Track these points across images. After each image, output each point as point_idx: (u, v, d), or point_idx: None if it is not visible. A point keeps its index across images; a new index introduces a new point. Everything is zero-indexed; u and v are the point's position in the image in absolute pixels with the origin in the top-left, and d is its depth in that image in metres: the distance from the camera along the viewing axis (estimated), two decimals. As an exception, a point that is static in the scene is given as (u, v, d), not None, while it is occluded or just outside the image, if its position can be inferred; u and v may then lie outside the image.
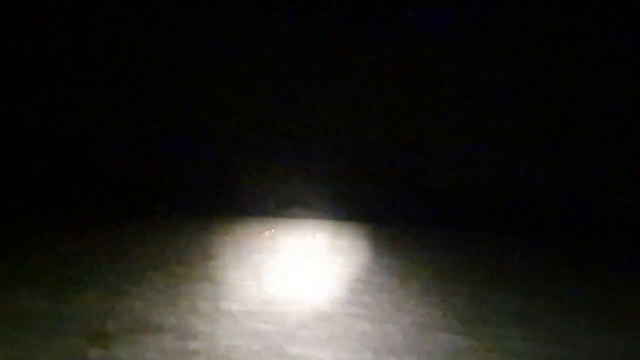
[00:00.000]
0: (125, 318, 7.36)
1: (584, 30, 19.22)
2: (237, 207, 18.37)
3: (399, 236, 16.13)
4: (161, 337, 6.75)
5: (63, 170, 18.62)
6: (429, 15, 19.83)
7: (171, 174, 19.55)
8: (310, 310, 8.20)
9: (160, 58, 20.39)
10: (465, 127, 20.27)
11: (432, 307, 8.78)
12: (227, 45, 20.33)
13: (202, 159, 19.99)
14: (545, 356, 6.90)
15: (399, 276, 10.73)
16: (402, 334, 7.39)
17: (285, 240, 14.04)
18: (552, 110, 20.04)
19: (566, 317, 8.68)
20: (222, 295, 8.71)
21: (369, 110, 20.57)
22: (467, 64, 20.08)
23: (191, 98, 20.30)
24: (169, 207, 17.09)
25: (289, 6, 20.05)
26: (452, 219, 18.85)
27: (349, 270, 10.98)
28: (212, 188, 19.02)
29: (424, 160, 20.20)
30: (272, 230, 13.25)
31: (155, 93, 20.21)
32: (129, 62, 20.17)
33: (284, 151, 20.08)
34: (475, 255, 13.92)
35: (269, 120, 20.49)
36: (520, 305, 9.20)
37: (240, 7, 20.14)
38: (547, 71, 19.73)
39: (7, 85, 19.49)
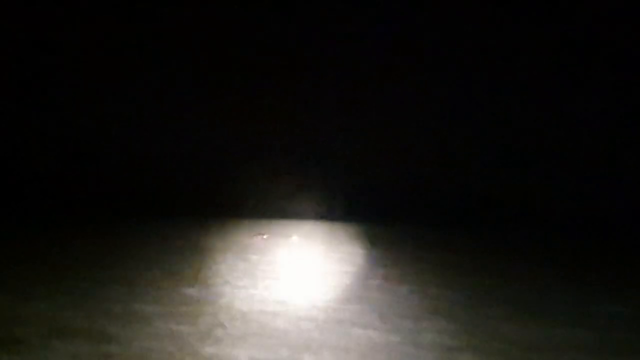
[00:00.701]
0: (35, 322, 7.19)
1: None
2: (154, 209, 18.19)
3: (315, 231, 16.23)
4: (73, 341, 6.61)
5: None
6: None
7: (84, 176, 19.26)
8: (224, 309, 8.16)
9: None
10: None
11: (348, 302, 8.84)
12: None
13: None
14: (458, 348, 7.02)
15: (314, 272, 10.79)
16: (318, 330, 7.42)
17: (198, 239, 13.95)
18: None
19: (482, 309, 8.85)
20: (135, 296, 8.59)
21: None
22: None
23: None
24: (79, 209, 16.79)
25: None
26: (365, 213, 19.07)
27: (264, 267, 10.98)
28: (122, 187, 18.78)
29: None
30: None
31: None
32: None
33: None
34: (391, 249, 14.10)
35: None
36: (436, 299, 9.34)
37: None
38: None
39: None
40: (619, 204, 19.20)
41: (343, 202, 19.61)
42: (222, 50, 20.68)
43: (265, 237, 13.08)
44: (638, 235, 17.64)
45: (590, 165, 20.29)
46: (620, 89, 20.16)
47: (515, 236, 17.79)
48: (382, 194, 19.91)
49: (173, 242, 13.43)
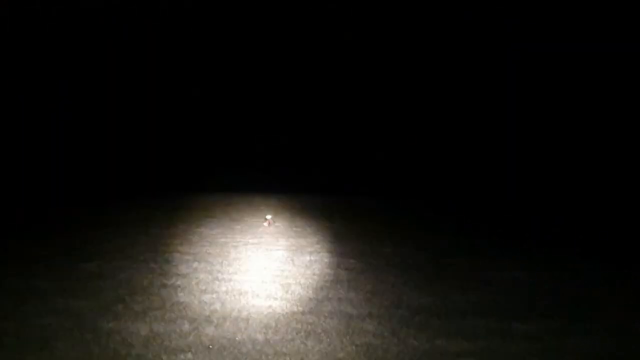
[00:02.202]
0: None
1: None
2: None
3: (212, 203, 16.15)
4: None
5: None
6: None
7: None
8: (125, 284, 8.08)
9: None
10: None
11: (249, 274, 8.88)
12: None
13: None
14: (357, 315, 7.14)
15: (217, 245, 10.76)
16: (220, 302, 7.43)
17: (101, 215, 13.75)
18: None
19: (383, 277, 9.00)
20: (33, 273, 8.43)
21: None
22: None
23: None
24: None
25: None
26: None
27: (165, 240, 10.90)
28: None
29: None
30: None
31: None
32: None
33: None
34: (295, 220, 14.17)
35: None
36: (335, 268, 9.45)
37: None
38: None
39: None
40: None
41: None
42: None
43: (267, 220, 12.73)
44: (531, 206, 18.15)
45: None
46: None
47: (419, 204, 18.12)
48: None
49: (74, 218, 13.18)
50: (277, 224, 13.06)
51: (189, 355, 5.80)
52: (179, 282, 8.26)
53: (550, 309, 7.63)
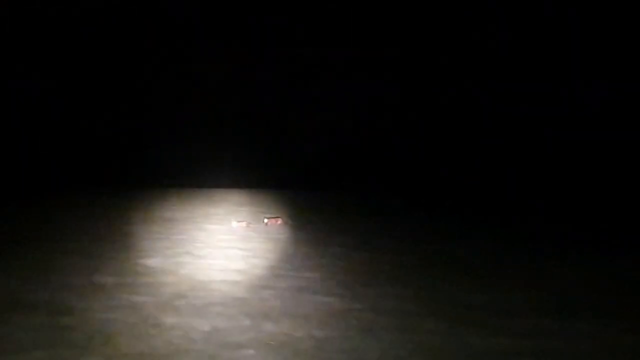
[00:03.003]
0: (-6, 297, 7.17)
1: None
2: (110, 179, 18.04)
3: (273, 200, 16.23)
4: (33, 314, 6.61)
5: None
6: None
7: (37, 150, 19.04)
8: (185, 280, 8.19)
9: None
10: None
11: (308, 270, 8.91)
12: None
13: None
14: (415, 313, 7.13)
15: (273, 241, 10.82)
16: (279, 299, 7.49)
17: (158, 210, 13.90)
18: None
19: (437, 274, 8.98)
20: (96, 268, 8.57)
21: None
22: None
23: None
24: (36, 182, 16.59)
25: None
26: (323, 182, 19.11)
27: (223, 237, 10.99)
28: (80, 161, 18.60)
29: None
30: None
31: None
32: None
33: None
34: (349, 217, 14.19)
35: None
36: (392, 265, 9.45)
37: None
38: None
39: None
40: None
41: (299, 171, 19.58)
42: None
43: (266, 221, 12.49)
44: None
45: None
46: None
47: (462, 201, 17.96)
48: (331, 163, 19.94)
49: (133, 213, 13.36)
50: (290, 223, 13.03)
51: (250, 351, 5.85)
52: (238, 278, 8.34)
53: (609, 307, 7.54)
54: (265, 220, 12.22)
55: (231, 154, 19.68)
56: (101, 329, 6.30)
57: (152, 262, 9.10)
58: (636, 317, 7.15)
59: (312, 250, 10.26)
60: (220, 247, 10.22)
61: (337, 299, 7.56)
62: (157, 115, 20.03)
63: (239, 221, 12.08)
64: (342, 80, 20.45)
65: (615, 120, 19.28)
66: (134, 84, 20.03)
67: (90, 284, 7.82)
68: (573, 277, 9.14)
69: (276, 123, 20.38)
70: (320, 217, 13.93)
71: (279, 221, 12.28)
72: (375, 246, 10.78)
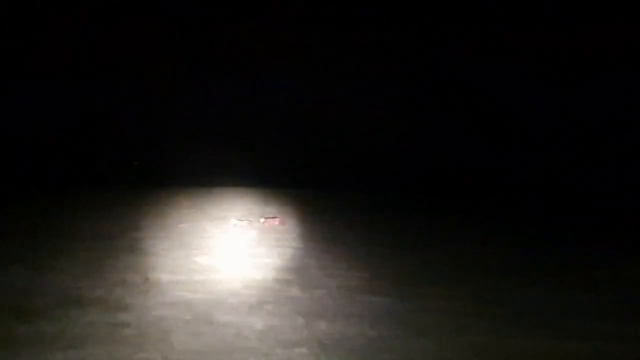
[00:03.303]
0: (53, 293, 7.28)
1: None
2: (162, 179, 18.21)
3: (322, 200, 16.21)
4: (89, 311, 6.70)
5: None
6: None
7: (98, 148, 19.29)
8: (239, 278, 8.21)
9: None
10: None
11: (359, 270, 8.88)
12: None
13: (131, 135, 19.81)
14: (466, 313, 7.06)
15: (324, 241, 10.79)
16: (331, 298, 7.47)
17: (209, 210, 13.97)
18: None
19: (493, 276, 8.88)
20: (150, 266, 8.65)
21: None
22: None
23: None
24: (96, 181, 16.83)
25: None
26: (372, 183, 19.04)
27: (277, 236, 11.00)
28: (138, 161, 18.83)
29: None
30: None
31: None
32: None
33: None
34: (396, 217, 14.11)
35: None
36: (446, 265, 9.38)
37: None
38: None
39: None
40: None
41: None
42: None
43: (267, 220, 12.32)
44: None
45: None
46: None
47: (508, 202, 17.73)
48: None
49: (186, 211, 13.46)
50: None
51: (304, 349, 5.85)
52: (291, 277, 8.35)
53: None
54: (262, 220, 12.12)
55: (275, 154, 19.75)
56: (156, 325, 6.36)
57: (206, 259, 9.15)
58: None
59: (362, 250, 10.21)
60: (274, 246, 10.23)
61: (389, 299, 7.52)
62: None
63: (239, 220, 12.04)
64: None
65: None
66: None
67: (145, 281, 7.89)
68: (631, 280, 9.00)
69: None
70: (364, 217, 13.86)
71: (277, 221, 12.14)
72: (422, 247, 10.70)
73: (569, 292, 8.13)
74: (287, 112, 20.55)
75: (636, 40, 19.03)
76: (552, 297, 7.87)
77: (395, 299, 7.51)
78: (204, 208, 14.00)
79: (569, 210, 16.40)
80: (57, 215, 12.21)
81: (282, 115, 20.60)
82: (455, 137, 20.39)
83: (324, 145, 20.32)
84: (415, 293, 7.81)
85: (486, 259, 9.90)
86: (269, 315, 6.77)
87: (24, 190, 14.57)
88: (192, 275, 8.29)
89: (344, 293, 7.70)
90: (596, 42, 19.32)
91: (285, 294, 7.58)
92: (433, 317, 6.91)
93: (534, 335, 6.46)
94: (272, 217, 12.31)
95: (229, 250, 9.87)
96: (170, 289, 7.62)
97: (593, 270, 9.49)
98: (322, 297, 7.52)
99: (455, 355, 5.89)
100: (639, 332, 6.64)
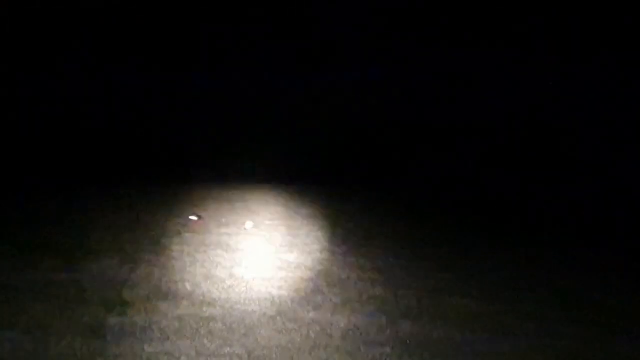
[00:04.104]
0: (141, 286, 7.47)
1: None
2: (249, 176, 18.36)
3: (383, 199, 15.99)
4: (177, 304, 6.84)
5: (71, 140, 18.66)
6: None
7: (184, 143, 19.56)
8: (323, 276, 8.25)
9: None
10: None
11: (444, 271, 8.82)
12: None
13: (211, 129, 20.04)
14: (554, 318, 6.96)
15: (402, 241, 10.67)
16: (416, 299, 7.46)
17: (295, 208, 14.02)
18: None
19: (578, 279, 8.73)
20: (236, 262, 8.77)
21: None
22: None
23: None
24: (184, 176, 17.06)
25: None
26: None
27: (359, 234, 10.95)
28: (223, 157, 19.01)
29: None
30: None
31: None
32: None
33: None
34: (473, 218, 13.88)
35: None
36: (533, 268, 9.22)
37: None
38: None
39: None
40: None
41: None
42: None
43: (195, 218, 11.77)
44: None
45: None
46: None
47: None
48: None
49: (269, 208, 13.55)
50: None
51: (387, 349, 5.87)
52: (375, 277, 8.34)
53: None
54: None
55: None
56: (242, 321, 6.45)
57: (291, 257, 9.21)
58: None
59: (446, 251, 10.12)
60: (359, 245, 10.21)
61: (474, 301, 7.46)
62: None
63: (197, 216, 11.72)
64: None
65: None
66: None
67: (231, 277, 8.00)
68: None
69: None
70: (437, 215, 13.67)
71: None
72: (510, 250, 10.52)
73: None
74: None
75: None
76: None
77: (480, 302, 7.45)
78: (288, 205, 14.06)
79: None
80: (141, 209, 12.39)
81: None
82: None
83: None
84: (502, 296, 7.73)
85: (574, 263, 9.70)
86: (352, 314, 6.80)
87: (116, 185, 14.85)
88: (277, 271, 8.37)
89: (427, 294, 7.66)
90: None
91: (369, 293, 7.59)
92: (521, 320, 6.83)
93: (633, 341, 6.34)
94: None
95: (313, 248, 9.89)
96: (256, 285, 7.71)
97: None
98: (406, 297, 7.50)
99: (542, 359, 5.82)
100: None
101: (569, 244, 11.12)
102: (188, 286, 7.53)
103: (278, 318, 6.60)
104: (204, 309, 6.78)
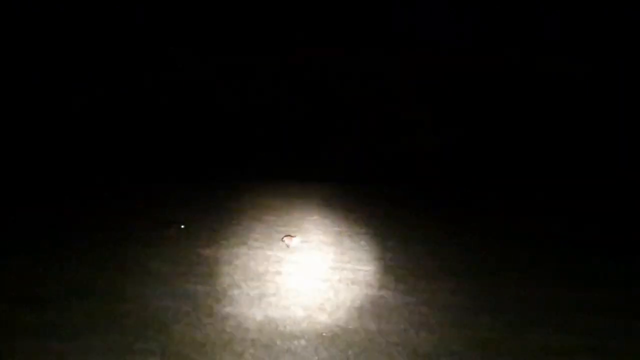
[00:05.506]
0: (55, 283, 7.31)
1: None
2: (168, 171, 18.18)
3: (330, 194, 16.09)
4: (90, 300, 6.74)
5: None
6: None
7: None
8: (240, 270, 8.22)
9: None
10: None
11: (364, 264, 8.87)
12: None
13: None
14: (472, 308, 7.07)
15: (331, 234, 10.75)
16: (333, 290, 7.48)
17: (215, 202, 13.92)
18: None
19: (500, 271, 8.88)
20: (151, 256, 8.66)
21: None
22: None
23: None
24: (95, 173, 16.80)
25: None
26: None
27: (279, 228, 10.96)
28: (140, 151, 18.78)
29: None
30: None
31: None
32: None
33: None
34: (407, 210, 14.01)
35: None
36: (448, 259, 9.34)
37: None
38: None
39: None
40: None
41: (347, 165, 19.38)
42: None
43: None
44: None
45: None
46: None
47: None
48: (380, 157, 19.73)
49: (189, 202, 13.41)
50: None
51: (302, 341, 5.89)
52: (293, 270, 8.36)
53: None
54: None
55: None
56: (156, 316, 6.38)
57: (208, 251, 9.14)
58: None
59: (368, 244, 10.18)
60: (277, 240, 10.18)
61: (390, 292, 7.55)
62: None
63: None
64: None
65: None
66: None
67: (146, 272, 7.91)
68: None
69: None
70: (380, 209, 13.77)
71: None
72: (434, 241, 10.63)
73: (578, 288, 8.14)
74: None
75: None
76: (562, 293, 7.90)
77: (397, 293, 7.53)
78: (209, 201, 13.96)
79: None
80: (57, 207, 12.13)
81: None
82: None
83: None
84: (420, 288, 7.82)
85: (495, 255, 9.87)
86: (269, 307, 6.79)
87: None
88: (193, 266, 8.29)
89: (345, 286, 7.70)
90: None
91: (286, 287, 7.60)
92: (438, 312, 6.95)
93: (543, 330, 6.48)
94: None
95: (230, 242, 9.79)
96: (171, 279, 7.64)
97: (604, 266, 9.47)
98: (324, 289, 7.53)
99: (460, 349, 5.92)
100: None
101: (491, 236, 11.32)
102: (101, 282, 7.41)
103: (193, 313, 6.55)
104: (118, 304, 6.68)
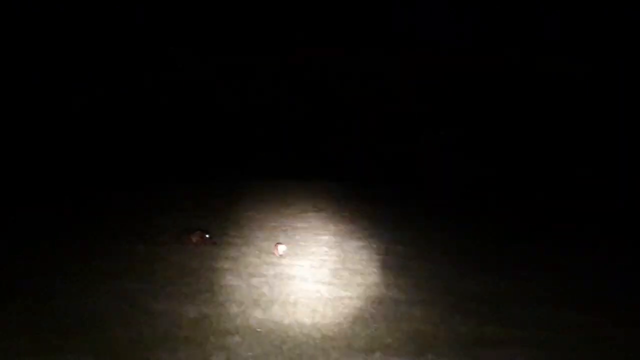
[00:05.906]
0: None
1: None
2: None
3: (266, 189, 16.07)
4: (19, 299, 6.63)
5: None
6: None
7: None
8: (176, 267, 8.18)
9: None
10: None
11: (298, 258, 8.91)
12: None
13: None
14: (405, 301, 7.17)
15: (265, 229, 10.75)
16: (268, 286, 7.50)
17: (149, 199, 13.79)
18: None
19: (432, 264, 8.99)
20: (88, 253, 8.58)
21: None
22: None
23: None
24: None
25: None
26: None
27: (215, 225, 10.91)
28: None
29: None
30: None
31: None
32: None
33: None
34: (341, 206, 14.08)
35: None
36: (383, 254, 9.43)
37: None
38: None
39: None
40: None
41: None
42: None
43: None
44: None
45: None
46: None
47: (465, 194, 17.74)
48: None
49: (121, 201, 13.28)
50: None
51: (237, 338, 5.89)
52: (227, 266, 8.35)
53: (603, 299, 7.60)
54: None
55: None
56: (89, 314, 6.31)
57: (142, 248, 9.08)
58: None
59: (304, 239, 10.21)
60: (214, 235, 10.15)
61: (325, 286, 7.61)
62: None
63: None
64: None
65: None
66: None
67: (81, 269, 7.83)
68: (576, 269, 9.16)
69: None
70: (314, 205, 13.81)
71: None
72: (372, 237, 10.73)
73: (514, 280, 8.31)
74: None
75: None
76: (496, 285, 8.06)
77: (332, 287, 7.58)
78: (139, 197, 13.83)
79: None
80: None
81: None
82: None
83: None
84: (355, 282, 7.90)
85: (431, 248, 9.98)
86: (203, 304, 6.78)
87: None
88: (129, 264, 8.24)
89: (280, 281, 7.73)
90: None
91: (220, 283, 7.59)
92: (372, 305, 7.02)
93: (476, 322, 6.60)
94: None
95: (165, 239, 9.74)
96: (107, 277, 7.57)
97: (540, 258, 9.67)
98: (258, 285, 7.55)
99: (394, 342, 5.99)
100: (580, 320, 6.85)
101: (432, 228, 11.47)
102: (33, 280, 7.31)
103: (129, 311, 6.50)
104: (49, 302, 6.59)
